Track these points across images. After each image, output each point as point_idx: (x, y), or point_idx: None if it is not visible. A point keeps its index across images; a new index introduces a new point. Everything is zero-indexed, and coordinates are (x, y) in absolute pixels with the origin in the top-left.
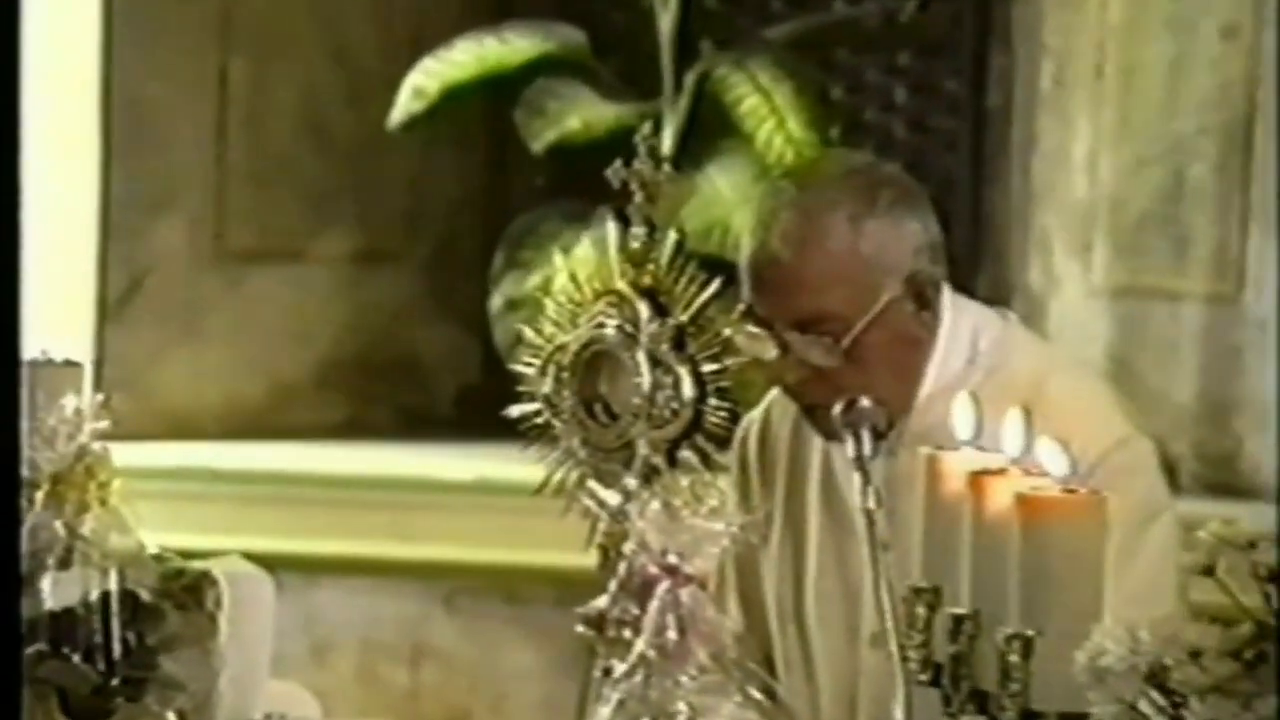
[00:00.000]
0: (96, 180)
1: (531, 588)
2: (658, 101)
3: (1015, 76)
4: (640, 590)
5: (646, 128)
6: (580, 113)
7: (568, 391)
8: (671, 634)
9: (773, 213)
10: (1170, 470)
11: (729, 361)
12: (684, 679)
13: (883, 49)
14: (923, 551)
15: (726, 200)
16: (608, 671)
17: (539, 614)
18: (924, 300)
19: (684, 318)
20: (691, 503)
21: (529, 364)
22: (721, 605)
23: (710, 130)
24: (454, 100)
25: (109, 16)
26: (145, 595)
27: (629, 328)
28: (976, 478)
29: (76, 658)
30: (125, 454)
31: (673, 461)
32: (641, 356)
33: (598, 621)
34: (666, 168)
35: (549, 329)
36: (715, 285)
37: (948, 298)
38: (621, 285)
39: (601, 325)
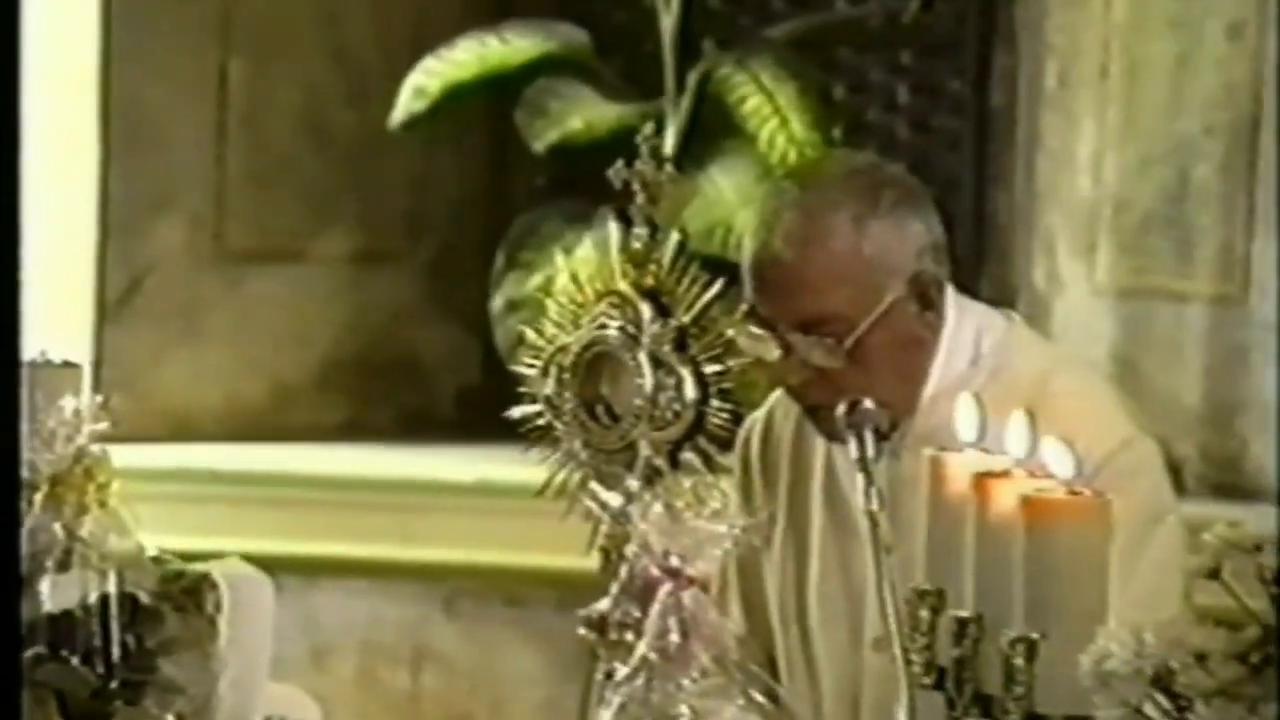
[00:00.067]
0: (96, 180)
1: (533, 590)
2: (660, 101)
3: (1019, 76)
4: (642, 593)
5: (648, 128)
6: (582, 113)
7: (569, 393)
8: (674, 637)
9: (775, 213)
10: (1175, 472)
11: (731, 363)
12: (686, 682)
13: (886, 48)
14: (926, 554)
15: (729, 201)
16: (609, 675)
17: (540, 617)
18: (927, 301)
19: (686, 319)
20: (694, 505)
21: (530, 365)
22: (724, 608)
23: (712, 130)
24: (455, 100)
25: (108, 17)
26: (144, 598)
27: (631, 329)
28: (980, 479)
29: (75, 661)
30: (124, 455)
31: (675, 463)
32: (643, 358)
33: (599, 624)
34: (669, 168)
35: (550, 330)
36: (718, 286)
37: (951, 298)
38: (623, 286)
39: (603, 326)
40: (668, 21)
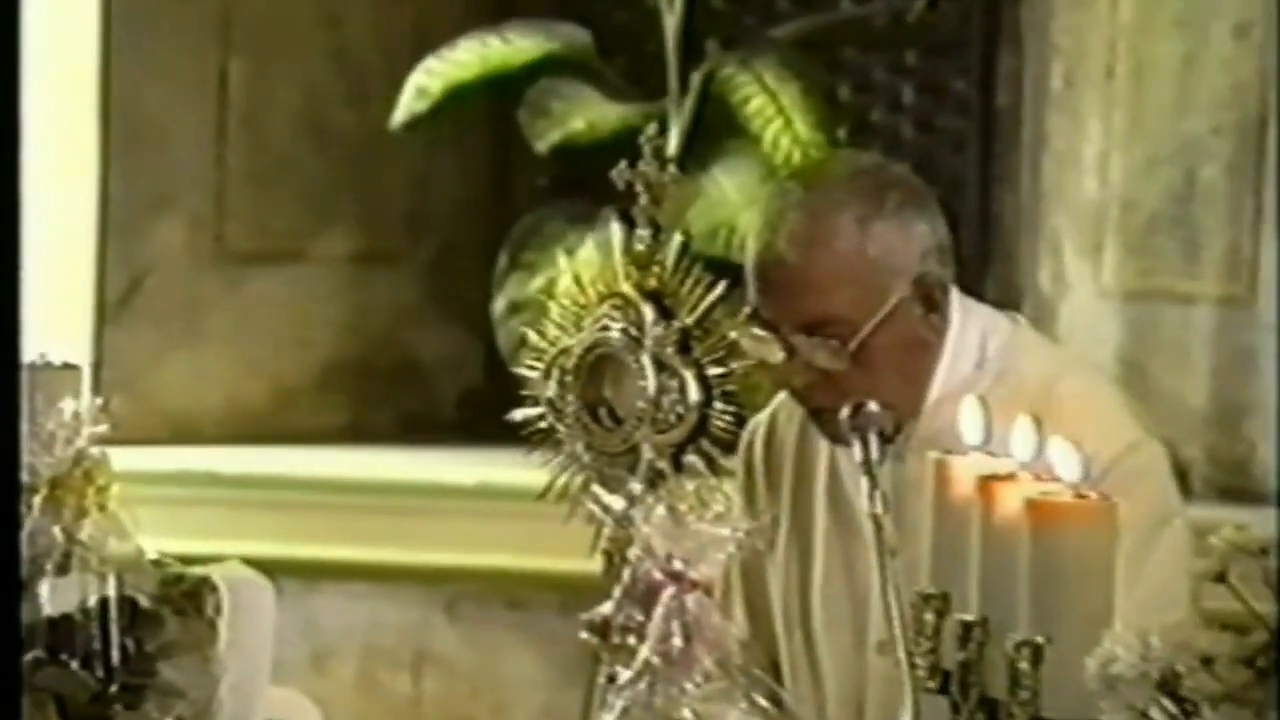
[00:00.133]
0: (96, 180)
1: (535, 594)
2: (663, 102)
3: (1024, 76)
4: (645, 596)
5: (651, 128)
6: (584, 113)
7: (571, 395)
8: (676, 640)
9: (779, 214)
10: (1182, 475)
11: (734, 365)
12: (689, 686)
13: (890, 48)
14: (931, 557)
15: (732, 201)
16: (612, 678)
17: (542, 620)
18: (932, 303)
19: (689, 320)
20: (697, 508)
21: (532, 367)
22: (727, 611)
23: (716, 131)
24: (457, 100)
25: (108, 17)
26: (144, 601)
27: (634, 331)
28: (985, 482)
29: (75, 664)
30: (124, 458)
31: (678, 466)
32: (646, 360)
33: (602, 628)
34: (672, 169)
35: (553, 332)
36: (721, 287)
37: (956, 300)
38: (626, 288)
39: (606, 328)
40: (671, 21)
